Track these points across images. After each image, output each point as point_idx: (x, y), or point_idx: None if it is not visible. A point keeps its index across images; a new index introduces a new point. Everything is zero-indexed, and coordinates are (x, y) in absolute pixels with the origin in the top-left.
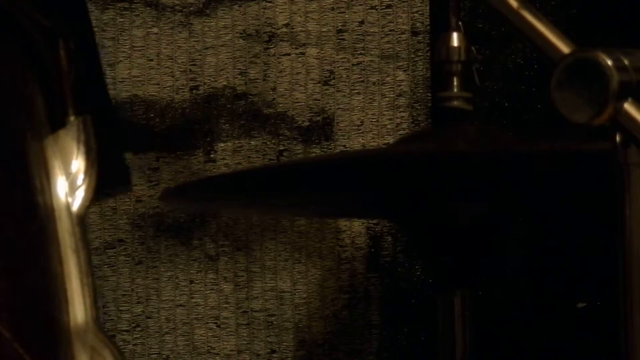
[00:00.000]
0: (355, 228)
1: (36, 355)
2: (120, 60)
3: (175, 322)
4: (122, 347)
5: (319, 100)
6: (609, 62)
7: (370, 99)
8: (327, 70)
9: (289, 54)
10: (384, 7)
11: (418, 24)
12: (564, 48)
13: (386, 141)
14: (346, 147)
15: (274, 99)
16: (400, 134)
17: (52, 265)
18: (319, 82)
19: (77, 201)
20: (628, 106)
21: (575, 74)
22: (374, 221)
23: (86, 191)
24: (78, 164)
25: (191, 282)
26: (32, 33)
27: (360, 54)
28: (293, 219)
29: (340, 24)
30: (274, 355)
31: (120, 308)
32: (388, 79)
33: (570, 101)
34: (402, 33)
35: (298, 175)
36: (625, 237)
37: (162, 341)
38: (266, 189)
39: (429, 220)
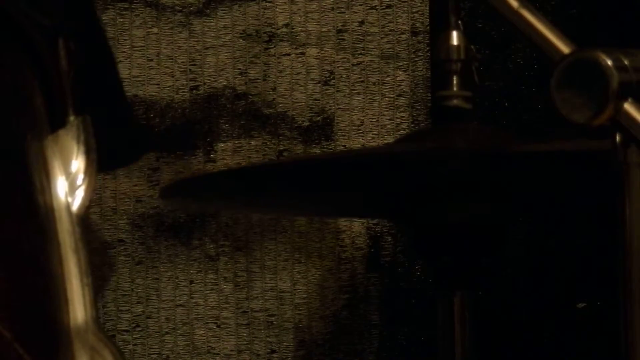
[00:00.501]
0: (355, 228)
1: (36, 355)
2: (120, 60)
3: (175, 322)
4: (122, 347)
5: (319, 100)
6: (609, 62)
7: (370, 99)
8: (327, 70)
9: (289, 54)
10: (384, 7)
11: (418, 24)
12: (564, 48)
13: (386, 141)
14: (346, 147)
15: (274, 99)
16: (400, 134)
17: (52, 265)
18: (319, 82)
19: (77, 201)
20: (628, 106)
21: (575, 74)
22: (374, 221)
23: (86, 191)
24: (78, 164)
25: (191, 282)
26: (32, 33)
27: (360, 54)
28: (293, 219)
29: (340, 24)
30: (274, 355)
31: (120, 308)
32: (388, 79)
33: (570, 101)
34: (402, 33)
35: (297, 173)
36: (625, 237)
37: (162, 341)
38: (265, 187)
39: (429, 220)
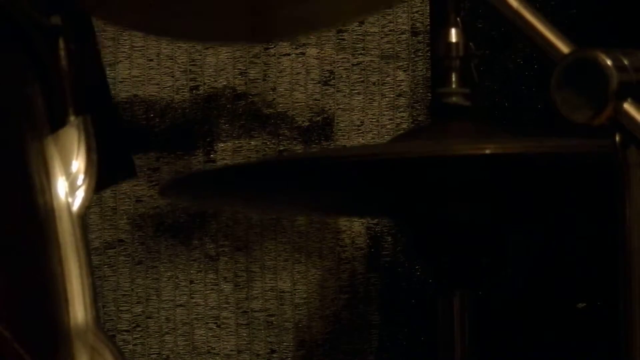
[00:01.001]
0: (355, 228)
1: (36, 355)
2: (120, 60)
3: (175, 322)
4: (122, 347)
5: (319, 100)
6: (609, 62)
7: (370, 99)
8: (327, 70)
9: (289, 54)
10: None
11: (418, 24)
12: (564, 48)
13: (386, 141)
14: (346, 147)
15: (274, 99)
16: (400, 134)
17: (52, 265)
18: (319, 82)
19: (77, 201)
20: (628, 106)
21: (575, 74)
22: (374, 221)
23: (86, 191)
24: (78, 164)
25: (191, 282)
26: (32, 33)
27: (360, 54)
28: (293, 219)
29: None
30: (274, 355)
31: (120, 308)
32: (388, 79)
33: (570, 101)
34: (402, 33)
35: (296, 170)
36: (625, 237)
37: (162, 341)
38: (264, 184)
39: (429, 220)
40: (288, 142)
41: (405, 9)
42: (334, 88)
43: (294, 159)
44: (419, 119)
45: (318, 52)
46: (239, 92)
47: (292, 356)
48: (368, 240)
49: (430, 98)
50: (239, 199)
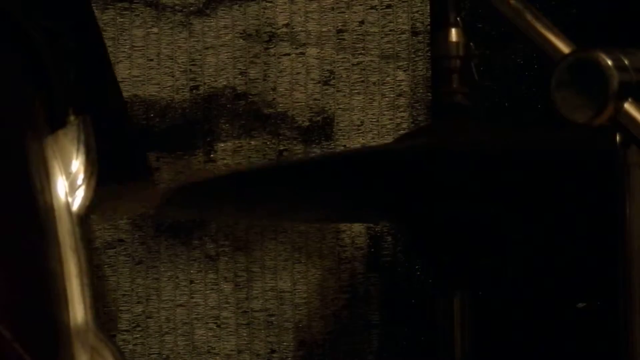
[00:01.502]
0: (355, 228)
1: (36, 355)
2: (120, 60)
3: (175, 322)
4: (122, 347)
5: (319, 100)
6: (609, 62)
7: (370, 99)
8: (327, 70)
9: (289, 54)
10: (384, 7)
11: (418, 24)
12: (564, 48)
13: (386, 141)
14: (346, 147)
15: (274, 99)
16: (401, 134)
17: (52, 265)
18: (319, 82)
19: (77, 201)
20: (628, 106)
21: (575, 74)
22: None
23: (86, 191)
24: (78, 164)
25: (191, 282)
26: (32, 33)
27: (360, 54)
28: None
29: (340, 24)
30: (274, 355)
31: (120, 308)
32: (388, 79)
33: (570, 101)
34: (402, 33)
35: (296, 175)
36: (625, 237)
37: (162, 341)
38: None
39: (429, 220)
40: (288, 142)
41: (405, 9)
42: (334, 88)
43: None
44: (419, 119)
45: (318, 52)
46: (239, 92)
47: (292, 356)
48: (368, 240)
49: (430, 98)
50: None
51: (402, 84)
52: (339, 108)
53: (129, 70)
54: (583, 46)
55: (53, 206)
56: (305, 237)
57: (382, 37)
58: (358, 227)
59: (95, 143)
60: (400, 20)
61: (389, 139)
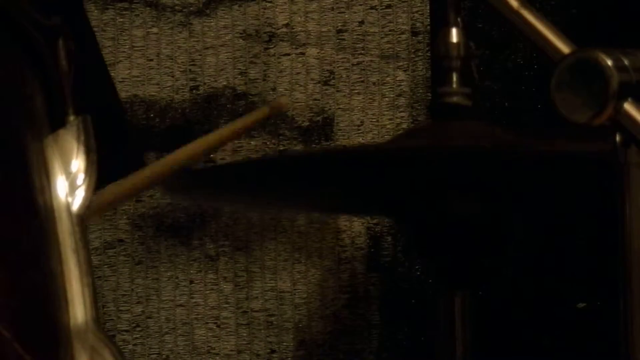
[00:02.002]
0: (355, 228)
1: (36, 355)
2: (120, 60)
3: (175, 322)
4: (122, 347)
5: (319, 100)
6: (609, 62)
7: (370, 99)
8: (327, 70)
9: (289, 54)
10: (384, 7)
11: (418, 24)
12: (564, 48)
13: (386, 141)
14: (346, 146)
15: (274, 99)
16: (400, 134)
17: (52, 265)
18: (319, 82)
19: (77, 201)
20: (628, 106)
21: (575, 74)
22: (374, 221)
23: (86, 191)
24: (78, 164)
25: (191, 282)
26: (32, 33)
27: (360, 54)
28: (293, 219)
29: (340, 24)
30: (274, 355)
31: (120, 308)
32: (388, 79)
33: (570, 101)
34: (402, 33)
35: (296, 168)
36: (625, 237)
37: (162, 341)
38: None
39: (429, 219)
40: (288, 142)
41: (405, 9)
42: (334, 88)
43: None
44: (419, 119)
45: (318, 52)
46: (239, 92)
47: (292, 356)
48: (368, 240)
49: (430, 98)
50: (238, 198)
51: (402, 84)
52: (339, 108)
53: (129, 70)
54: (583, 46)
55: (53, 206)
56: (305, 237)
57: (382, 37)
58: (358, 227)
59: (95, 143)
60: (400, 20)
61: (388, 139)
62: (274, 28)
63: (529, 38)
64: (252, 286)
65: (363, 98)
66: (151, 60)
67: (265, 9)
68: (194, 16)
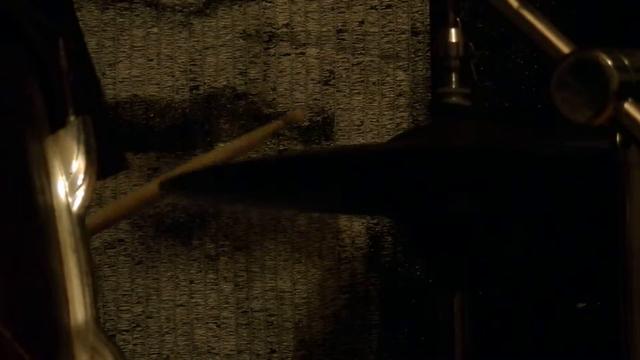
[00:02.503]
0: (355, 228)
1: (36, 355)
2: (120, 60)
3: (175, 322)
4: (122, 347)
5: (319, 100)
6: (609, 62)
7: (370, 99)
8: (327, 70)
9: (289, 54)
10: (384, 7)
11: (418, 24)
12: (564, 48)
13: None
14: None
15: (274, 99)
16: (400, 134)
17: (52, 265)
18: (319, 82)
19: (77, 201)
20: (628, 106)
21: (575, 74)
22: (374, 221)
23: (86, 191)
24: (78, 164)
25: (191, 282)
26: (32, 33)
27: (360, 54)
28: (293, 218)
29: (340, 24)
30: (274, 355)
31: (120, 308)
32: (388, 79)
33: (570, 101)
34: (402, 33)
35: (296, 169)
36: (625, 237)
37: (162, 341)
38: (265, 182)
39: (429, 219)
40: (288, 142)
41: (405, 9)
42: (334, 88)
43: (294, 157)
44: (419, 119)
45: (318, 52)
46: (239, 92)
47: (292, 356)
48: (368, 240)
49: (430, 98)
50: (238, 198)
51: (402, 84)
52: (339, 108)
53: (129, 70)
54: (583, 46)
55: (53, 206)
56: (305, 237)
57: (382, 37)
58: (358, 227)
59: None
60: (400, 20)
61: (388, 139)
62: (274, 28)
63: (529, 38)
64: (252, 286)
65: (363, 98)
66: (151, 60)
67: (265, 9)
68: (194, 16)
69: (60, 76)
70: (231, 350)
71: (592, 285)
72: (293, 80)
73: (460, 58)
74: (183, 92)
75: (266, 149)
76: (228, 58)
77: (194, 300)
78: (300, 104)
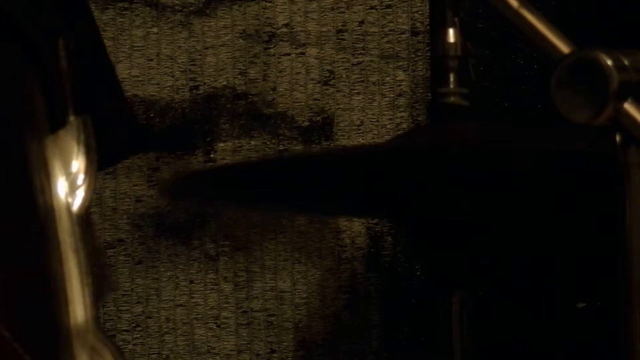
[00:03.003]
0: (355, 228)
1: (36, 355)
2: (120, 60)
3: (175, 322)
4: (122, 347)
5: (319, 100)
6: (609, 62)
7: (370, 99)
8: (327, 70)
9: (289, 54)
10: (384, 7)
11: (418, 24)
12: (564, 48)
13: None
14: (346, 147)
15: (274, 99)
16: (400, 134)
17: (52, 265)
18: (319, 82)
19: (77, 201)
20: (628, 106)
21: (575, 74)
22: (374, 221)
23: (86, 191)
24: (78, 164)
25: (191, 282)
26: (32, 33)
27: (360, 54)
28: (293, 219)
29: (340, 24)
30: (274, 355)
31: (120, 308)
32: (388, 79)
33: (570, 101)
34: (402, 33)
35: (296, 170)
36: (625, 237)
37: (162, 341)
38: (265, 184)
39: (429, 219)
40: (288, 142)
41: (405, 9)
42: (334, 88)
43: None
44: (419, 119)
45: (318, 52)
46: (239, 92)
47: (292, 356)
48: (368, 240)
49: (430, 98)
50: (238, 199)
51: (402, 84)
52: (339, 108)
53: (129, 70)
54: (583, 46)
55: (53, 206)
56: (305, 237)
57: (382, 37)
58: (358, 227)
59: (96, 143)
60: (400, 20)
61: (388, 139)
62: (274, 28)
63: (529, 38)
64: (252, 286)
65: (363, 98)
66: (151, 60)
67: (265, 9)
68: (194, 16)
69: (60, 76)
70: (231, 350)
71: (592, 285)
72: (293, 80)
73: (459, 58)
74: (183, 92)
75: (266, 149)
76: (228, 58)
77: (194, 300)
78: (300, 104)
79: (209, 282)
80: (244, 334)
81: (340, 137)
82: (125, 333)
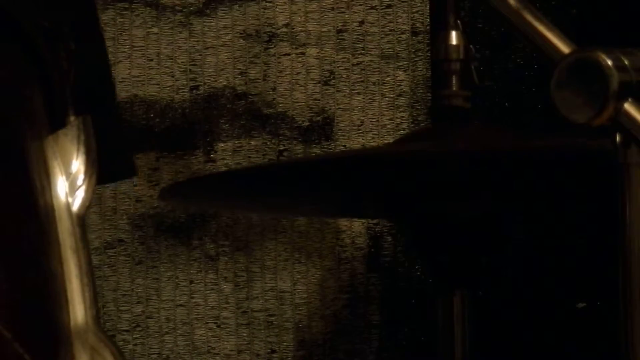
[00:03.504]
0: (355, 228)
1: (36, 355)
2: (120, 60)
3: (175, 322)
4: (122, 347)
5: (319, 100)
6: (609, 62)
7: (370, 99)
8: (327, 70)
9: (289, 54)
10: (384, 7)
11: (418, 24)
12: (564, 48)
13: (386, 141)
14: (346, 147)
15: (274, 99)
16: (400, 134)
17: (52, 265)
18: (319, 82)
19: (77, 201)
20: (628, 106)
21: (575, 74)
22: (374, 221)
23: (86, 191)
24: (78, 164)
25: (191, 282)
26: (32, 33)
27: (360, 54)
28: (293, 219)
29: (340, 24)
30: (274, 355)
31: (120, 308)
32: (388, 79)
33: (570, 101)
34: (402, 33)
35: (297, 174)
36: (625, 237)
37: (162, 341)
38: (265, 188)
39: (429, 219)
40: (288, 142)
41: (405, 9)
42: (334, 88)
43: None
44: (419, 119)
45: (318, 52)
46: (239, 92)
47: (292, 356)
48: (368, 240)
49: (430, 98)
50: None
51: (402, 84)
52: (339, 108)
53: (129, 70)
54: (583, 46)
55: (53, 206)
56: (305, 237)
57: (382, 37)
58: (358, 227)
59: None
60: (400, 20)
61: (389, 139)
62: (274, 28)
63: (529, 38)
64: (252, 286)
65: (363, 98)
66: (151, 60)
67: (265, 9)
68: (194, 16)
69: (60, 76)
70: (231, 350)
71: (592, 285)
72: (293, 80)
73: (461, 61)
74: (183, 92)
75: (266, 149)
76: (228, 58)
77: (194, 300)
78: (300, 104)
79: (209, 282)
80: (244, 334)
81: (341, 137)
82: (125, 333)
